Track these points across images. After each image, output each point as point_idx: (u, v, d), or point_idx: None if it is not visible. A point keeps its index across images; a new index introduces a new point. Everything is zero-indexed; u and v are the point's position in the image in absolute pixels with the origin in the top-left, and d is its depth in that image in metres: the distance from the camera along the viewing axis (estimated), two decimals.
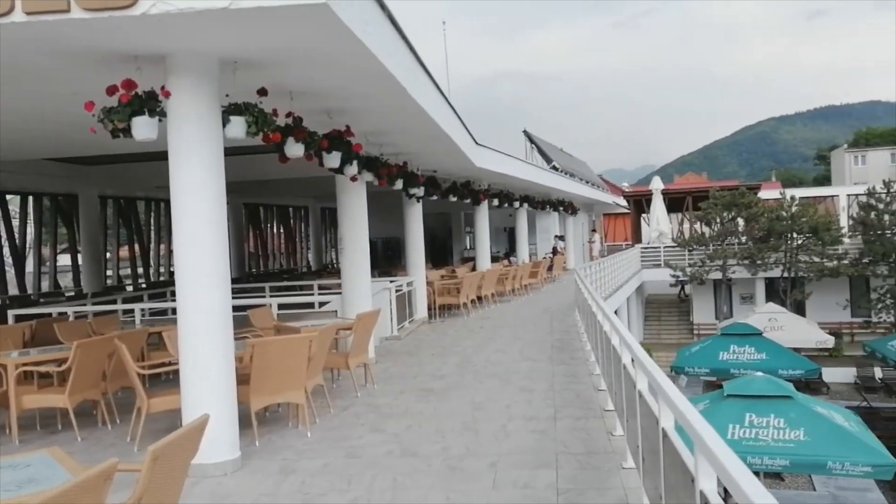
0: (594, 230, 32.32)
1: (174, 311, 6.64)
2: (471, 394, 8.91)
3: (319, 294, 14.94)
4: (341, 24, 5.36)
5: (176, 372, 6.70)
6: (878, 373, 27.15)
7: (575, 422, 7.25)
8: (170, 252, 23.13)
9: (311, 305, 13.36)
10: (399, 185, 13.27)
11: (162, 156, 6.29)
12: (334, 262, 33.80)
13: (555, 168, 31.81)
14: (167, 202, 16.45)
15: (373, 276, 13.42)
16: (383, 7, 6.76)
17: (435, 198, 17.73)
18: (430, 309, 17.21)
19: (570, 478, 5.61)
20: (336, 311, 12.34)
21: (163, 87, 6.07)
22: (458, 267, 24.98)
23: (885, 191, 31.38)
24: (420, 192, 15.03)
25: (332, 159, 9.27)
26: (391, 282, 14.86)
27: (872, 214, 31.27)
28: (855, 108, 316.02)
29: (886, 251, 30.19)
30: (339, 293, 12.56)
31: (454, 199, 19.69)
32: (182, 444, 3.77)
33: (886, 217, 30.88)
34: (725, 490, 2.71)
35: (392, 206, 19.12)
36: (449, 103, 11.94)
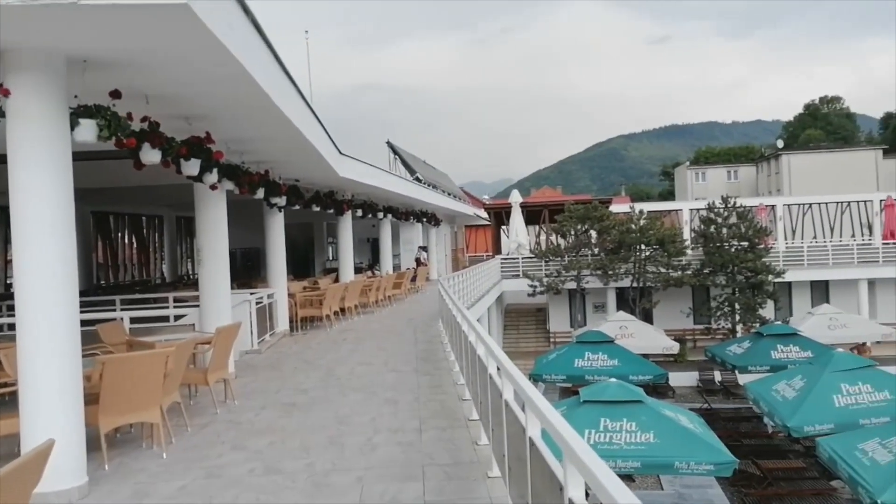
0: (423, 247, 32.76)
1: (12, 326, 6.13)
2: (335, 407, 8.78)
3: (175, 307, 14.30)
4: (203, 26, 5.16)
5: (15, 393, 6.19)
6: (717, 376, 29.01)
7: (441, 432, 7.28)
8: (7, 262, 21.43)
9: (166, 319, 12.77)
10: (261, 194, 12.93)
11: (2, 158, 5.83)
12: (191, 273, 32.50)
13: (418, 179, 32.04)
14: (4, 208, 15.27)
15: (232, 287, 12.99)
16: (247, 11, 6.57)
17: (297, 207, 17.41)
18: (291, 321, 16.86)
19: (436, 489, 5.62)
20: (194, 325, 11.84)
21: (1, 85, 5.62)
22: (321, 278, 24.65)
23: (723, 206, 33.65)
24: (282, 201, 14.72)
25: (191, 167, 8.90)
26: (251, 294, 14.43)
27: (712, 228, 33.44)
28: (695, 128, 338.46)
29: (724, 262, 32.35)
30: (197, 306, 12.08)
31: (317, 209, 19.43)
32: (22, 473, 3.47)
33: (724, 230, 33.11)
34: (586, 494, 2.78)
35: (253, 215, 18.61)
36: (313, 112, 11.77)
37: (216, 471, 6.41)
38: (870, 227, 38.26)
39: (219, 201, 11.59)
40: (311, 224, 34.10)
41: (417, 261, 31.28)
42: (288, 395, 9.62)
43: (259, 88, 7.33)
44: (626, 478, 17.64)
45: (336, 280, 22.76)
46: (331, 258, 35.18)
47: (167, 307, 14.57)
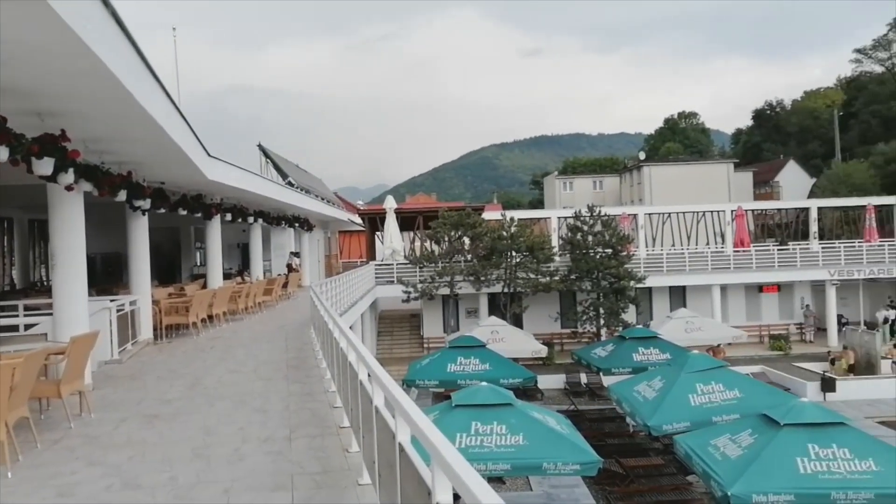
0: (296, 252, 32.35)
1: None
2: (201, 418, 8.46)
3: (26, 315, 13.38)
4: (57, 17, 4.86)
5: None
6: (583, 378, 30.05)
7: (311, 441, 7.17)
8: None
9: (15, 328, 11.91)
10: (122, 196, 12.35)
11: None
12: (45, 279, 30.55)
13: (290, 184, 31.49)
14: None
15: (90, 294, 12.29)
16: (106, 3, 6.24)
17: (163, 211, 16.72)
18: (156, 329, 16.15)
19: (305, 498, 5.52)
20: (46, 334, 11.12)
21: None
22: (188, 284, 23.75)
23: (589, 214, 34.97)
24: (146, 204, 14.11)
25: (44, 166, 8.38)
26: (112, 300, 13.71)
27: (578, 235, 34.65)
28: (564, 139, 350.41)
29: (590, 268, 33.59)
30: (50, 314, 11.35)
31: (184, 212, 18.72)
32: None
33: (590, 238, 34.38)
34: (455, 497, 2.80)
35: (114, 218, 17.72)
36: (180, 112, 11.33)
37: (69, 489, 6.03)
38: (722, 236, 40.74)
39: (75, 203, 10.94)
40: (177, 228, 32.85)
41: (289, 266, 30.71)
42: (150, 407, 9.20)
43: (119, 84, 6.99)
44: (497, 480, 18.00)
45: (204, 286, 22.01)
46: (198, 264, 33.99)
47: (16, 315, 13.61)
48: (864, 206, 39.45)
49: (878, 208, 40.06)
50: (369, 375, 5.00)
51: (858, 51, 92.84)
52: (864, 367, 30.25)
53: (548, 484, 18.25)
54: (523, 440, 13.24)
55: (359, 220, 45.98)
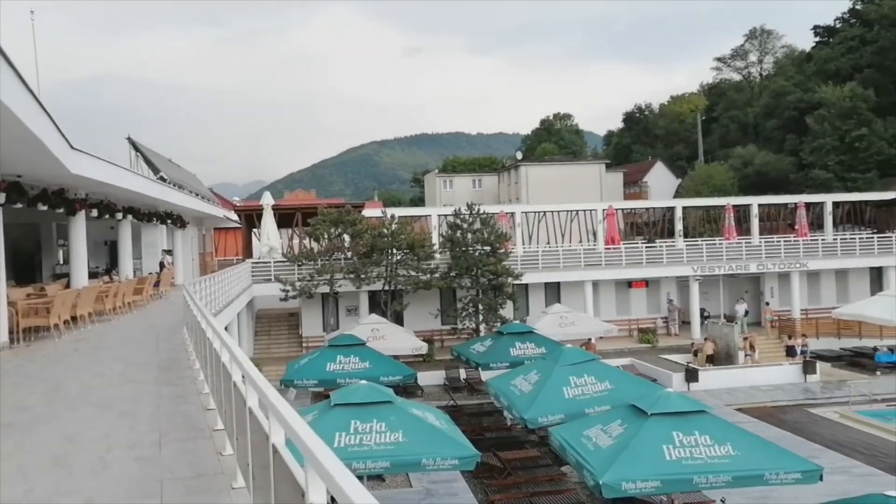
0: (168, 250, 31.32)
1: None
2: (62, 425, 8.01)
3: None
4: None
5: None
6: (462, 374, 30.48)
7: (183, 444, 6.92)
8: None
9: None
10: None
11: None
12: None
13: (162, 179, 30.27)
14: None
15: None
16: None
17: (20, 206, 15.71)
18: (11, 332, 15.14)
19: None
20: None
21: None
22: (49, 284, 22.42)
23: (468, 212, 35.44)
24: (0, 199, 13.21)
25: None
26: None
27: (458, 233, 35.06)
28: (444, 138, 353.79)
29: (469, 265, 34.05)
30: None
31: (45, 208, 17.66)
32: None
33: (469, 235, 34.86)
34: (332, 499, 2.78)
35: None
36: (38, 101, 10.68)
37: None
38: (594, 234, 42.29)
39: None
40: (37, 225, 30.91)
41: (161, 265, 29.53)
42: (4, 415, 8.61)
43: None
44: (377, 478, 17.99)
45: (67, 286, 20.84)
46: (61, 262, 32.13)
47: None
48: (724, 206, 41.96)
49: (737, 208, 42.67)
50: (243, 377, 4.89)
51: (719, 59, 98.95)
52: (724, 357, 32.17)
53: (427, 480, 18.39)
54: (402, 437, 13.29)
55: (235, 217, 44.76)
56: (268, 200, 35.88)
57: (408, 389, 27.64)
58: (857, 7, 75.30)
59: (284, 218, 39.06)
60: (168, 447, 6.87)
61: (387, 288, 34.18)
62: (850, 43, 71.94)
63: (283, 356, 33.45)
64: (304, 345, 35.96)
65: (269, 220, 35.37)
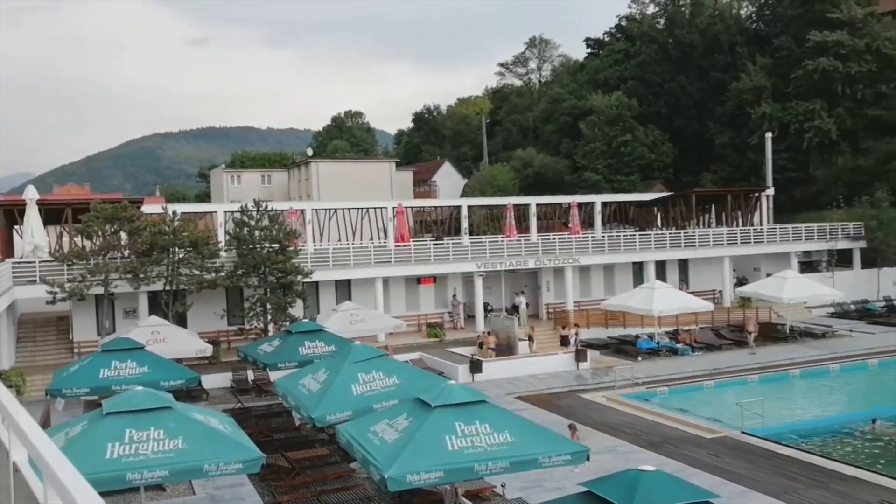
0: None
1: None
2: None
3: None
4: None
5: None
6: (250, 375, 29.73)
7: None
8: None
9: None
10: None
11: None
12: None
13: None
14: None
15: None
16: None
17: None
18: None
19: None
20: None
21: None
22: None
23: (256, 209, 34.60)
24: None
25: None
26: None
27: (245, 230, 34.11)
28: (232, 132, 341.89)
29: (257, 264, 33.24)
30: None
31: None
32: None
33: (257, 233, 34.03)
34: None
35: None
36: None
37: None
38: (385, 231, 42.91)
39: None
40: None
41: None
42: None
43: None
44: (158, 488, 17.12)
45: None
46: None
47: None
48: (506, 206, 44.21)
49: (517, 207, 45.14)
50: None
51: (502, 65, 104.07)
52: (506, 348, 33.91)
53: (212, 486, 17.80)
54: (182, 443, 12.73)
55: None
56: (31, 195, 32.97)
57: (192, 394, 26.57)
58: (623, 24, 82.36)
59: (52, 214, 36.05)
60: None
61: (168, 288, 32.54)
62: (617, 56, 78.58)
63: (51, 364, 30.81)
64: (76, 351, 33.34)
65: (33, 215, 32.53)
